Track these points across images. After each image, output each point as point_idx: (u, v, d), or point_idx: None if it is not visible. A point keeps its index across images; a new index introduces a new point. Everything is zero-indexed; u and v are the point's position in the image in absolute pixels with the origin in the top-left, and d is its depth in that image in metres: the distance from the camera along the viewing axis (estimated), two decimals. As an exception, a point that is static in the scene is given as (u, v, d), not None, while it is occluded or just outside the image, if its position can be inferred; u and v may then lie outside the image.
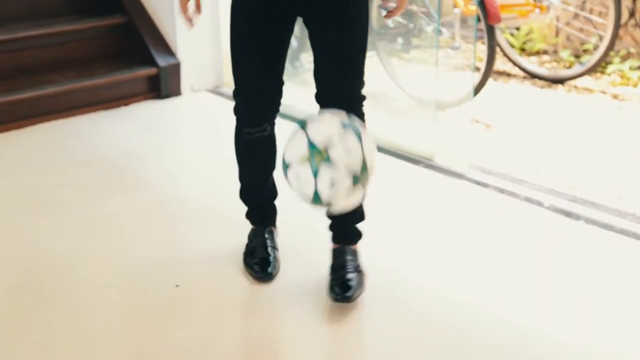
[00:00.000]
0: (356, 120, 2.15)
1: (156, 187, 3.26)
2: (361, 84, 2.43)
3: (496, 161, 3.56)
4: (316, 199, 2.08)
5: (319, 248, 2.65)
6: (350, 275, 2.44)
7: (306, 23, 2.39)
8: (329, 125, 2.09)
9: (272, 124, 2.53)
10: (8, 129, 3.81)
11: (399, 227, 2.93)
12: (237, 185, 2.68)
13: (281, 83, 2.46)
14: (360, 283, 2.44)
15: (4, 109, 3.81)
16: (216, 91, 4.41)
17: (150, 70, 4.23)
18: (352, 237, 2.55)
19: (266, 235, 2.66)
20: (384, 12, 2.47)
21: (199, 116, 4.18)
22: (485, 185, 3.25)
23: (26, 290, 2.53)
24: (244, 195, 2.67)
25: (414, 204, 3.13)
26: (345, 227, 2.55)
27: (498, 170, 3.43)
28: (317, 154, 2.05)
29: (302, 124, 2.12)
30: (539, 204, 3.08)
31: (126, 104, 4.18)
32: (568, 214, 3.00)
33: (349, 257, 2.50)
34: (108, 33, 4.38)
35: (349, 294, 2.39)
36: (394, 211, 3.05)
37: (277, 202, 2.70)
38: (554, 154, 3.67)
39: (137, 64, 4.27)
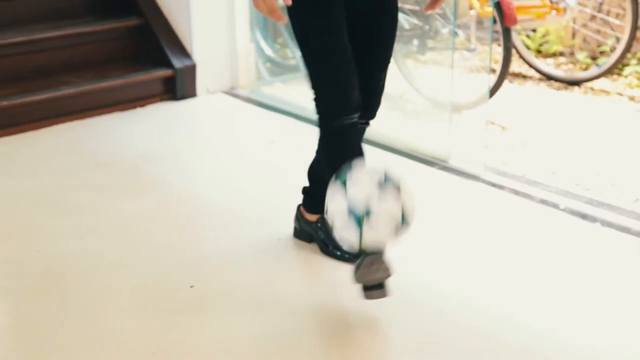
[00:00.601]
0: (392, 173, 2.23)
1: (173, 188, 3.27)
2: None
3: (512, 163, 3.55)
4: (361, 245, 2.22)
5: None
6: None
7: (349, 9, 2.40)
8: (367, 185, 2.19)
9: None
10: (25, 130, 3.83)
11: (414, 229, 2.92)
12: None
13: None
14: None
15: (21, 110, 3.84)
16: (231, 92, 4.42)
17: (165, 72, 4.25)
18: None
19: None
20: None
21: (215, 117, 4.19)
22: (501, 187, 3.24)
23: (43, 291, 2.54)
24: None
25: (429, 206, 3.12)
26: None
27: (513, 172, 3.42)
28: (358, 218, 2.18)
29: (343, 182, 2.22)
30: (555, 206, 3.07)
31: (142, 106, 4.19)
32: (584, 217, 2.98)
33: None
34: (124, 35, 4.40)
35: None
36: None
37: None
38: (570, 156, 3.65)
39: (152, 65, 4.29)
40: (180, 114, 4.14)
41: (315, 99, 2.44)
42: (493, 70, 4.19)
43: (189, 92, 4.32)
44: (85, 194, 3.20)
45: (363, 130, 2.60)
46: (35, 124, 3.86)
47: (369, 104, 2.52)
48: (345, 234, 2.21)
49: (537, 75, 4.80)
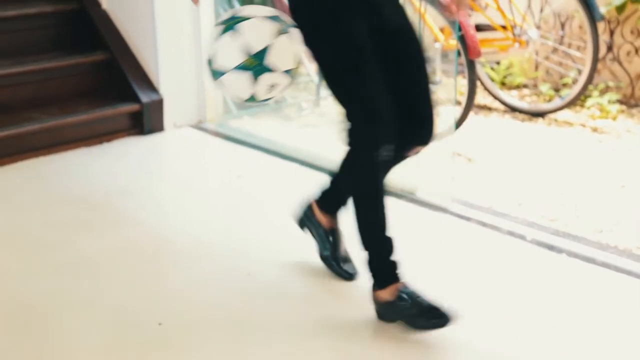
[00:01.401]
0: (283, 19, 2.22)
1: (141, 224, 3.24)
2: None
3: (478, 195, 3.57)
4: (251, 99, 2.21)
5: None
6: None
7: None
8: (263, 31, 2.17)
9: None
10: (-11, 167, 3.79)
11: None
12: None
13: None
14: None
15: (-16, 147, 3.80)
16: (199, 127, 4.42)
17: (132, 107, 4.23)
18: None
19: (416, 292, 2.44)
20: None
21: (183, 152, 4.18)
22: (468, 219, 3.26)
23: (10, 331, 2.50)
24: (376, 242, 2.45)
25: (397, 239, 3.13)
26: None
27: (480, 204, 3.44)
28: (254, 60, 2.15)
29: (233, 26, 2.19)
30: (522, 237, 3.09)
31: (109, 141, 4.17)
32: (550, 248, 3.01)
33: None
34: (90, 69, 4.38)
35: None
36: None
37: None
38: (536, 187, 3.69)
39: (119, 100, 4.27)
40: (147, 148, 4.12)
41: (351, 121, 2.30)
42: (459, 103, 4.24)
43: (157, 126, 4.31)
44: (51, 232, 3.16)
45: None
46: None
47: (422, 131, 2.47)
48: (238, 85, 2.18)
49: (502, 107, 4.86)
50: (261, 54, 2.14)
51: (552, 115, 4.69)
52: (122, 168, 3.84)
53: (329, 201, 2.75)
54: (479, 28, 4.60)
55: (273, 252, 2.97)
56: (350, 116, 2.34)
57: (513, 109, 4.79)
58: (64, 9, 4.47)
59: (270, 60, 2.14)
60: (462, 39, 4.13)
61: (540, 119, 4.67)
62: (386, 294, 2.44)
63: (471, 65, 4.20)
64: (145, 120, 4.25)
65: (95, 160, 3.93)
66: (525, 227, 3.19)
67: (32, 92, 4.16)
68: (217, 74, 2.21)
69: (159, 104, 4.29)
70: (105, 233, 3.15)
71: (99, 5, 4.48)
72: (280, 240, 3.06)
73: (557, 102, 4.72)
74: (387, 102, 2.32)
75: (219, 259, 2.92)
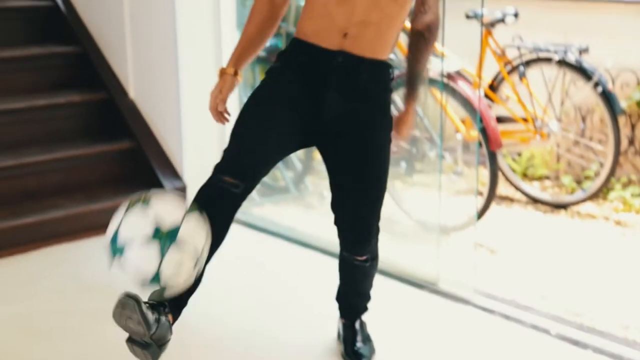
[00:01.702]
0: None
1: (159, 312, 3.23)
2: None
3: (501, 287, 3.54)
4: (155, 279, 2.12)
5: None
6: (359, 345, 2.76)
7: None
8: (175, 208, 2.15)
9: (246, 190, 2.43)
10: (12, 254, 3.79)
11: (404, 353, 2.89)
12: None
13: (271, 165, 2.49)
14: (371, 350, 2.78)
15: (8, 234, 3.81)
16: (221, 214, 4.44)
17: (156, 194, 4.27)
18: (360, 312, 2.81)
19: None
20: None
21: (204, 239, 4.18)
22: (491, 312, 3.22)
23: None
24: None
25: (418, 330, 3.09)
26: (354, 304, 2.79)
27: (503, 296, 3.40)
28: (164, 236, 2.10)
29: (146, 202, 2.17)
30: (546, 331, 3.05)
31: (132, 227, 4.19)
32: (575, 343, 2.95)
33: (357, 329, 2.80)
34: (116, 157, 4.44)
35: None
36: (398, 337, 3.01)
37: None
38: (559, 280, 3.65)
39: (144, 187, 4.29)
40: (169, 235, 4.13)
41: None
42: (480, 193, 4.24)
43: (179, 213, 4.33)
44: (74, 320, 3.15)
45: (358, 267, 2.68)
46: (23, 247, 3.83)
47: (349, 240, 2.63)
48: (143, 259, 2.09)
49: (524, 198, 4.86)
50: (173, 231, 2.11)
51: (574, 208, 4.67)
52: (144, 255, 3.84)
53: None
54: (500, 120, 4.64)
55: (303, 340, 2.95)
56: None
57: (535, 200, 4.78)
58: (92, 98, 4.58)
59: (180, 235, 2.11)
60: (484, 131, 4.17)
61: (562, 211, 4.65)
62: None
63: (492, 157, 4.23)
64: (168, 208, 4.28)
65: (118, 247, 3.94)
66: (549, 321, 3.14)
67: (60, 179, 4.21)
68: (119, 251, 2.16)
69: (182, 191, 4.33)
70: (126, 321, 3.13)
71: (126, 95, 4.59)
72: (307, 328, 3.04)
73: (579, 194, 4.71)
74: (242, 159, 2.40)
75: (236, 354, 2.89)
